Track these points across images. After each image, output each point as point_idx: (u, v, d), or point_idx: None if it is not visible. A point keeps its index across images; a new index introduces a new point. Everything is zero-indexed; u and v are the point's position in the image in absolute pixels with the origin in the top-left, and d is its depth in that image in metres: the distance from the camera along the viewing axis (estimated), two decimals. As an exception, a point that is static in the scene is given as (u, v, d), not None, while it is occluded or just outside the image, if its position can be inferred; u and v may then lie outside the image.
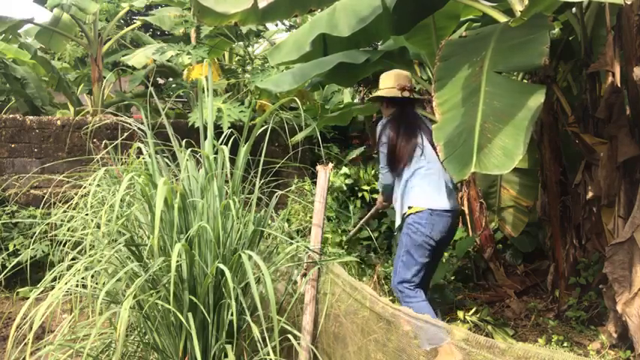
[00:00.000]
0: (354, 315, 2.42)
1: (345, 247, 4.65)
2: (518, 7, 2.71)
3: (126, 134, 2.94)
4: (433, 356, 1.88)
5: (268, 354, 2.14)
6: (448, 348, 1.80)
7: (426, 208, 3.14)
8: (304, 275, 2.72)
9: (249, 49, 7.70)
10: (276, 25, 8.43)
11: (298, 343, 2.44)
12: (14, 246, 4.84)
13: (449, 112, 2.82)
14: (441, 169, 3.19)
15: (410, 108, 3.38)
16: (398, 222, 3.33)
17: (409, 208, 3.21)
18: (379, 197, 3.80)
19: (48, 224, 2.91)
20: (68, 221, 2.75)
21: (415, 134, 3.25)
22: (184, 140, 2.76)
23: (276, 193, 2.83)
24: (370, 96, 3.54)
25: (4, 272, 2.56)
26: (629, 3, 2.64)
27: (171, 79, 8.77)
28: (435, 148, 3.13)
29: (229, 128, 3.02)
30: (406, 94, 3.32)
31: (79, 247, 2.53)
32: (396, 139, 3.24)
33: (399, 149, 3.23)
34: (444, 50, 3.17)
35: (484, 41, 3.06)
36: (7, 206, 5.12)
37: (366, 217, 4.22)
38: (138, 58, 7.98)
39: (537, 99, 2.58)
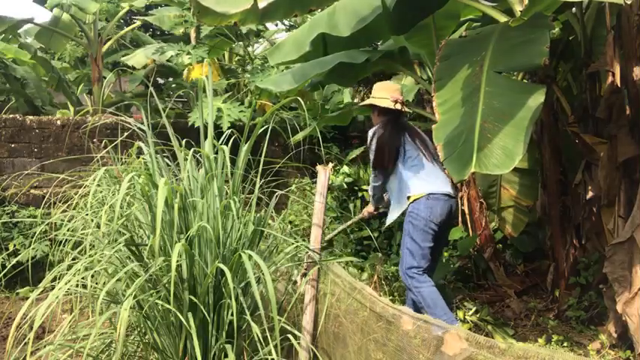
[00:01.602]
0: (354, 315, 2.42)
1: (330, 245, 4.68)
2: (518, 7, 2.71)
3: (126, 134, 2.94)
4: (437, 349, 1.88)
5: (269, 353, 2.14)
6: (455, 335, 1.81)
7: (423, 193, 3.33)
8: (304, 275, 2.72)
9: (249, 49, 7.70)
10: (276, 25, 8.43)
11: (298, 343, 2.45)
12: (14, 246, 4.83)
13: (449, 112, 2.83)
14: (432, 160, 3.45)
15: (400, 118, 3.61)
16: (394, 217, 3.54)
17: (408, 198, 3.38)
18: (369, 207, 3.97)
19: (48, 224, 2.91)
20: (68, 221, 2.75)
21: (400, 136, 3.48)
22: (184, 140, 2.76)
23: (276, 193, 2.83)
24: (363, 102, 3.79)
25: (4, 272, 2.56)
26: (629, 3, 2.64)
27: (171, 79, 8.77)
28: (428, 148, 3.48)
29: (229, 128, 3.02)
30: (398, 106, 3.53)
31: (80, 247, 2.53)
32: (385, 141, 3.47)
33: (388, 150, 3.46)
34: (443, 50, 3.18)
35: (484, 41, 3.06)
36: (7, 206, 5.11)
37: (349, 223, 4.28)
38: (138, 58, 7.98)
39: (537, 99, 2.58)
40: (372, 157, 3.57)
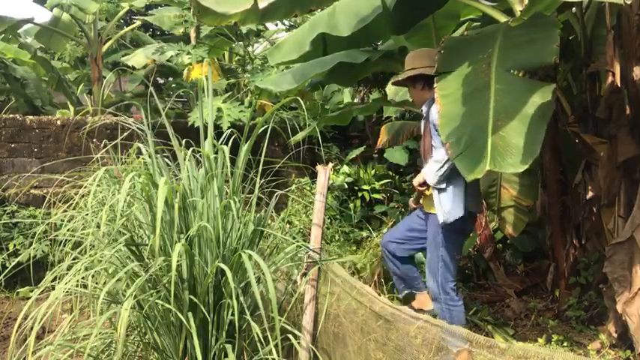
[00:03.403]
0: (353, 314, 2.42)
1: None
2: (518, 7, 2.70)
3: (126, 134, 2.95)
4: (438, 349, 1.88)
5: (270, 353, 2.14)
6: (467, 354, 1.80)
7: (463, 210, 3.00)
8: (304, 275, 2.72)
9: (249, 48, 7.70)
10: (276, 25, 8.43)
11: (298, 343, 2.45)
12: (14, 246, 4.83)
13: (453, 105, 2.75)
14: None
15: None
16: (446, 208, 2.98)
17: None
18: (420, 177, 3.11)
19: (48, 224, 2.91)
20: (68, 221, 2.75)
21: None
22: (184, 140, 2.76)
23: (276, 193, 2.83)
24: (407, 74, 3.16)
25: (4, 272, 2.56)
26: (629, 3, 2.64)
27: (171, 79, 8.77)
28: None
29: (229, 128, 3.02)
30: None
31: (80, 248, 2.53)
32: None
33: None
34: (446, 43, 3.10)
35: (489, 39, 3.01)
36: (7, 206, 5.11)
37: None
38: (138, 58, 7.98)
39: (546, 96, 2.56)
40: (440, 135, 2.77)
